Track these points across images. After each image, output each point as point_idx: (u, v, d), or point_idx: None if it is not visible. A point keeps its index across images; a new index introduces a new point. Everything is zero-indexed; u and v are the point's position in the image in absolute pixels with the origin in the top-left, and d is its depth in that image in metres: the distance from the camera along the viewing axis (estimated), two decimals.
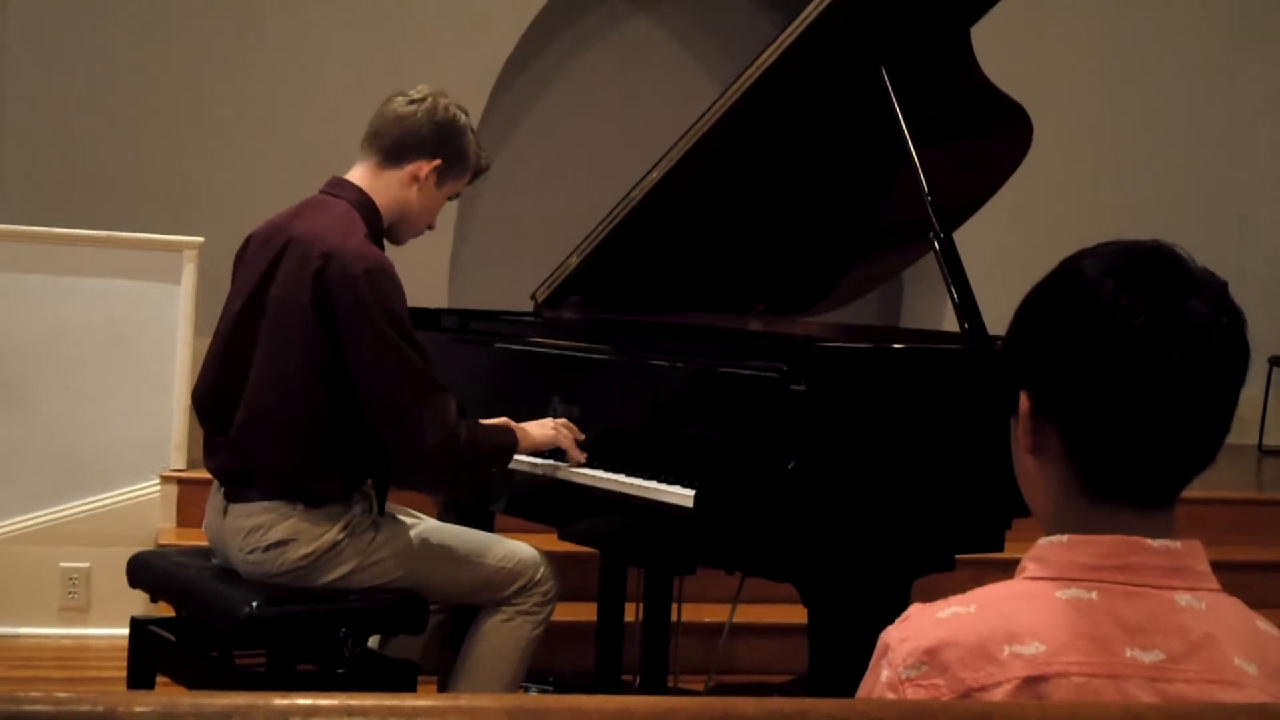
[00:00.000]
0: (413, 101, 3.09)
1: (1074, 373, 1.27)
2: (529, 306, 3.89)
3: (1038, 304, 1.33)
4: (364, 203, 3.05)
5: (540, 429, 3.06)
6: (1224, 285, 1.29)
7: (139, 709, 0.95)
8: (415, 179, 3.08)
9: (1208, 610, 1.26)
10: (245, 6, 6.54)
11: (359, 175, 3.10)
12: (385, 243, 3.14)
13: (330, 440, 2.96)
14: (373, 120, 3.10)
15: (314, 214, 3.04)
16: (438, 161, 3.08)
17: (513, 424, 3.06)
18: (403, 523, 3.11)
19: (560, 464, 3.06)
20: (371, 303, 2.89)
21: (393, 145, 3.07)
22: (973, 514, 2.84)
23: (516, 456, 3.05)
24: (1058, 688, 1.21)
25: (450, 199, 3.18)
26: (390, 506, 3.14)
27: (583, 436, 3.07)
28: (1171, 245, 1.31)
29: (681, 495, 2.73)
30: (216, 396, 3.07)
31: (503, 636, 3.12)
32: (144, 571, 3.25)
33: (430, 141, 3.07)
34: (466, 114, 3.14)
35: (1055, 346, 1.29)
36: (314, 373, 2.94)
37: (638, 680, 3.61)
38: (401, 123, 3.07)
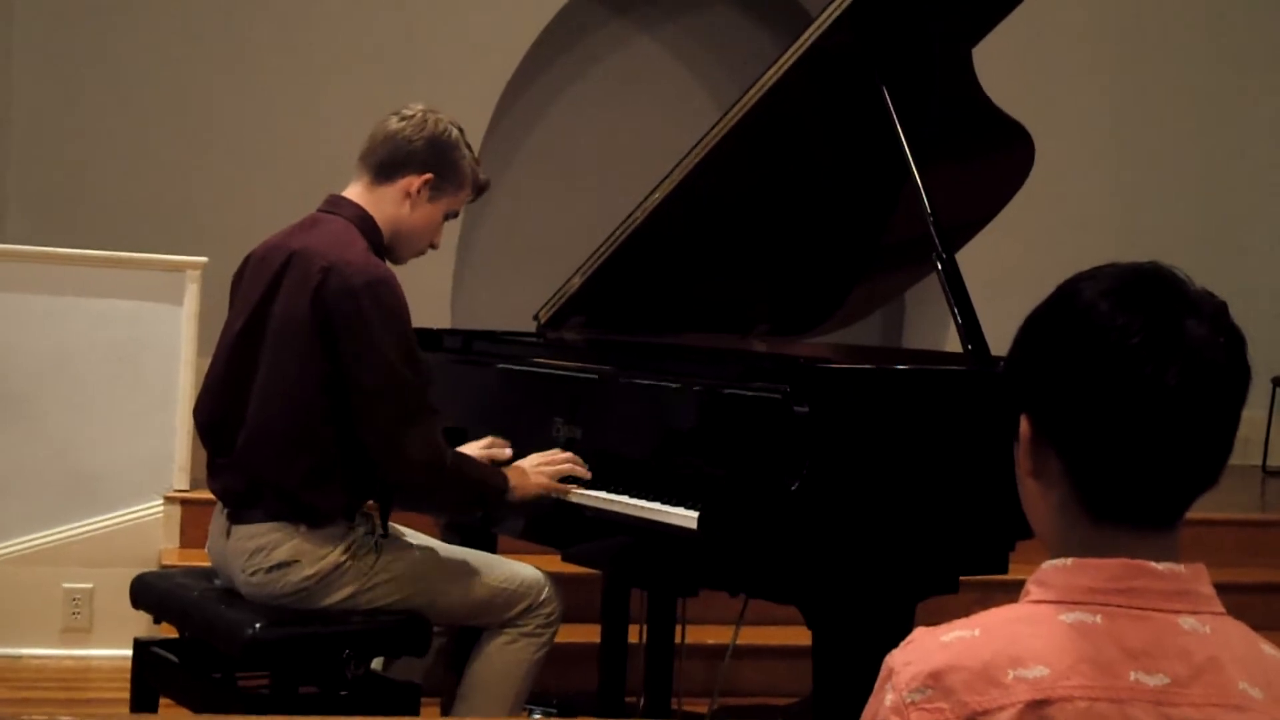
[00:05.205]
0: (404, 118, 3.10)
1: (1072, 394, 1.27)
2: (532, 326, 3.89)
3: (1036, 327, 1.33)
4: (363, 218, 3.06)
5: (537, 477, 3.03)
6: (1222, 305, 1.29)
7: None
8: (408, 194, 3.08)
9: (1212, 634, 1.26)
10: (248, 29, 6.55)
11: (355, 193, 3.10)
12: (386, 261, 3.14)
13: (333, 455, 2.96)
14: (367, 139, 3.11)
15: (313, 231, 3.05)
16: (429, 175, 3.08)
17: (508, 472, 3.04)
18: (406, 544, 3.11)
19: (564, 485, 3.05)
20: (371, 316, 2.89)
21: (385, 162, 3.08)
22: (977, 535, 2.84)
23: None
24: (1062, 712, 1.21)
25: (449, 217, 3.17)
26: (393, 528, 3.14)
27: (580, 468, 3.06)
28: (1169, 266, 1.30)
29: (685, 517, 2.72)
30: (218, 417, 3.06)
31: (506, 658, 3.11)
32: (147, 592, 3.25)
33: (422, 156, 3.07)
34: (461, 130, 3.14)
35: (1053, 369, 1.29)
36: (315, 386, 2.93)
37: (641, 702, 3.60)
38: (392, 139, 3.08)
